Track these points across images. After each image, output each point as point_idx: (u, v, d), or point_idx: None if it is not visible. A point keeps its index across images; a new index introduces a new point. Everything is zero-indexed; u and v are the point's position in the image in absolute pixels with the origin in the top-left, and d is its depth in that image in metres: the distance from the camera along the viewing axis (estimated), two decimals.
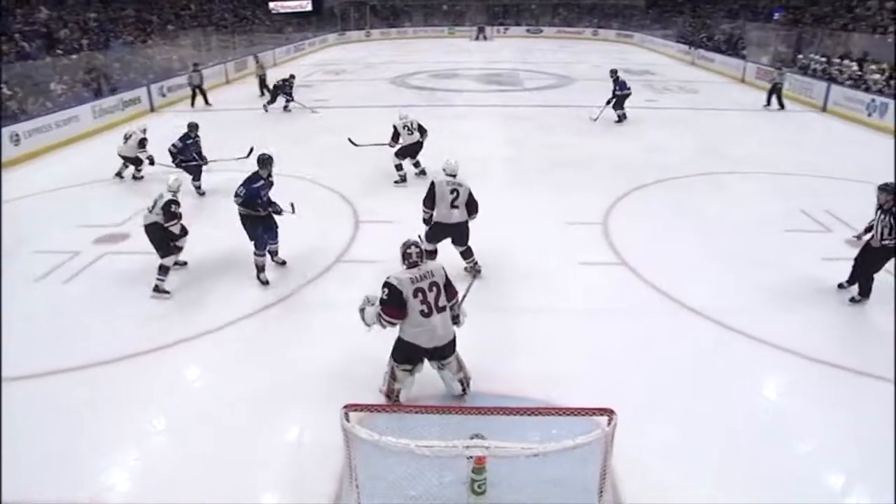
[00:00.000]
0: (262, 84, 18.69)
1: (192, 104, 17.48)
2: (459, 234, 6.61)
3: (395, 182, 10.19)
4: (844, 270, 6.73)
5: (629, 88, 14.71)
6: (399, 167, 10.21)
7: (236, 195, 6.62)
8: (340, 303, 6.29)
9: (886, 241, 6.06)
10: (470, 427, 3.03)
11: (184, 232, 6.77)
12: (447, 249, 6.75)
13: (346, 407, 3.11)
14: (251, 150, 9.37)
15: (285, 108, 16.50)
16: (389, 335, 4.63)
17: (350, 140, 10.76)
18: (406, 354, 4.54)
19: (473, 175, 9.42)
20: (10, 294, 6.63)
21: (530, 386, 5.00)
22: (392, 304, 4.34)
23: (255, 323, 6.16)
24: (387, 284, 4.36)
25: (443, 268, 4.57)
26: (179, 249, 6.91)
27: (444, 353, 4.55)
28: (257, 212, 6.64)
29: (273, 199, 6.91)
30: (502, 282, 6.77)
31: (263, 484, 4.18)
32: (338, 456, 3.32)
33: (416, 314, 4.34)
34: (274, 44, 29.27)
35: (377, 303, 4.46)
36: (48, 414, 4.85)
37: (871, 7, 22.37)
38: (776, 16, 28.84)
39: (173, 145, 9.85)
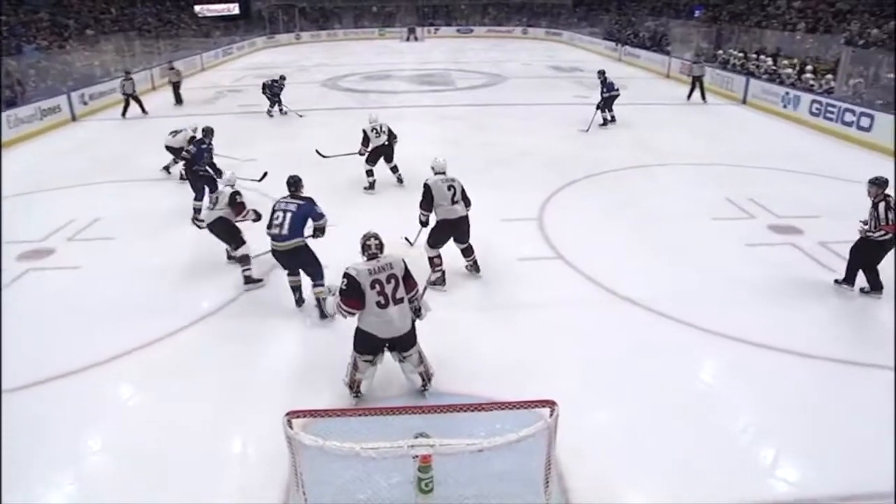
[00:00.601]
0: (176, 91, 18.14)
1: (124, 114, 16.67)
2: (464, 229, 6.57)
3: (365, 188, 9.91)
4: (766, 254, 7.06)
5: (617, 90, 14.27)
6: (370, 172, 9.91)
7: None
8: (291, 310, 6.26)
9: (872, 234, 6.12)
10: (414, 427, 3.05)
11: (257, 216, 6.87)
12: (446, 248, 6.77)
13: (288, 414, 3.07)
14: (265, 174, 8.80)
15: (269, 111, 16.07)
16: (339, 337, 4.62)
17: (318, 152, 10.18)
18: (365, 344, 4.60)
19: (411, 175, 9.49)
20: None
21: (473, 382, 5.05)
22: (350, 295, 4.42)
23: (192, 334, 5.99)
24: (346, 275, 4.44)
25: (403, 260, 4.62)
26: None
27: (402, 345, 4.63)
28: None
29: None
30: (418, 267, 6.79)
31: (209, 496, 4.08)
32: (284, 463, 3.27)
33: (373, 305, 4.42)
34: (201, 48, 28.53)
35: (336, 292, 4.55)
36: None
37: (780, 6, 23.53)
38: (697, 13, 29.97)
39: (186, 151, 9.16)
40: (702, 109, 16.73)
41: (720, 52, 21.54)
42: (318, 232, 6.16)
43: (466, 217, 6.55)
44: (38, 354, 5.64)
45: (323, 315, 6.01)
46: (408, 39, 40.14)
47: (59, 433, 4.67)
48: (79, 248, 8.04)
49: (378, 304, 4.42)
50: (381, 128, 9.74)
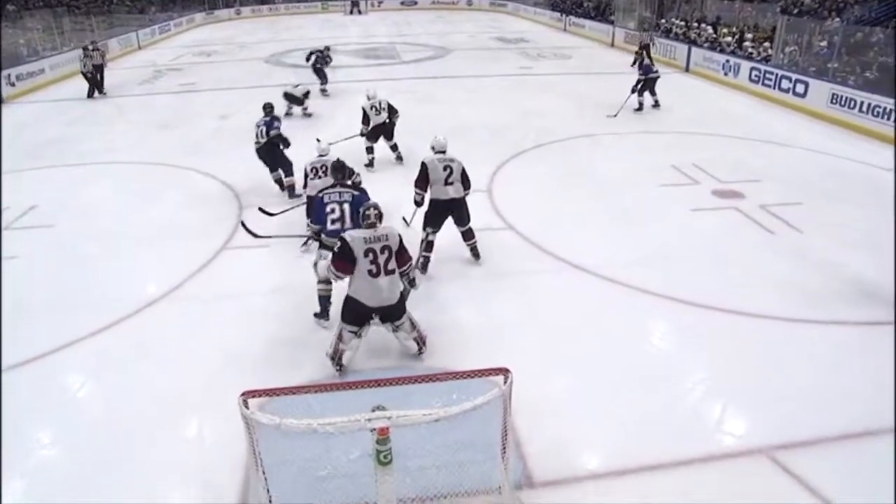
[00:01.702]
0: (99, 73, 16.10)
1: (91, 94, 15.84)
2: (459, 210, 6.38)
3: (365, 165, 9.51)
4: (711, 219, 7.28)
5: (656, 71, 12.93)
6: (370, 150, 9.63)
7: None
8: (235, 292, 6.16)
9: None
10: (371, 400, 3.06)
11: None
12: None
13: (244, 394, 3.04)
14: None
15: (323, 90, 15.02)
16: (300, 319, 4.56)
17: (262, 210, 6.81)
18: (352, 313, 4.67)
19: (357, 151, 9.38)
20: None
21: (427, 354, 5.09)
22: (342, 258, 4.50)
23: (140, 321, 5.84)
24: (340, 239, 4.52)
25: (399, 234, 4.64)
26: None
27: (392, 315, 4.73)
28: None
29: None
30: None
31: (166, 481, 4.02)
32: (241, 445, 3.26)
33: (364, 273, 4.48)
34: (137, 25, 27.38)
35: (329, 256, 4.62)
36: None
37: None
38: None
39: (261, 130, 8.36)
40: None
41: (663, 20, 21.82)
42: None
43: (461, 199, 6.35)
44: None
45: None
46: (351, 13, 39.34)
47: (7, 427, 4.52)
48: (15, 236, 7.71)
49: (370, 272, 4.49)
50: (380, 105, 9.45)
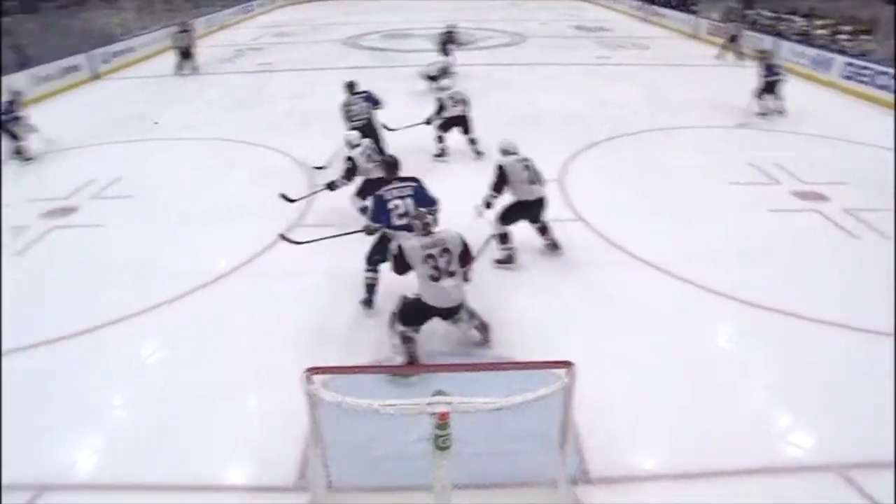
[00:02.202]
0: (186, 56, 16.82)
1: (181, 67, 16.67)
2: (541, 209, 6.27)
3: (435, 155, 9.46)
4: (790, 221, 6.95)
5: (779, 73, 11.41)
6: (440, 139, 9.47)
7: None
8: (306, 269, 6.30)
9: None
10: (432, 385, 3.08)
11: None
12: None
13: (308, 370, 3.11)
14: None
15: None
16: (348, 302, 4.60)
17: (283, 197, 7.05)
18: (416, 315, 4.72)
19: (429, 136, 9.41)
20: None
21: (494, 343, 5.07)
22: (398, 263, 4.61)
23: (208, 294, 6.05)
24: (398, 246, 4.60)
25: (460, 237, 4.63)
26: None
27: (453, 313, 4.74)
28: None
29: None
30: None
31: (226, 451, 4.17)
32: (302, 420, 3.33)
33: (426, 277, 4.51)
34: (221, 5, 28.21)
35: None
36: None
37: None
38: None
39: (362, 107, 8.49)
40: (727, 72, 16.30)
41: (750, 11, 20.89)
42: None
43: (544, 198, 6.25)
44: (63, 311, 5.74)
45: None
46: None
47: (84, 388, 4.79)
48: (101, 206, 8.12)
49: (431, 276, 4.49)
50: (456, 96, 9.31)
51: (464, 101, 9.33)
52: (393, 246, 4.83)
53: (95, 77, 16.21)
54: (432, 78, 13.40)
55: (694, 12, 23.49)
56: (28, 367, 5.01)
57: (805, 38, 16.64)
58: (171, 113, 12.69)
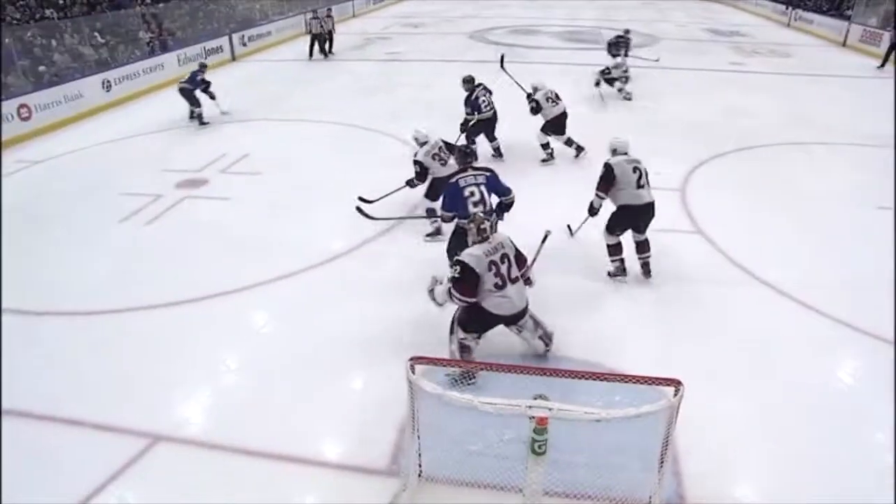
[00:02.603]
0: (321, 43, 17.53)
1: (312, 54, 17.46)
2: (648, 217, 5.85)
3: (543, 160, 9.15)
4: None
5: None
6: (546, 145, 9.07)
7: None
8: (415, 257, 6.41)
9: None
10: (533, 387, 3.04)
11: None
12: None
13: (412, 359, 3.16)
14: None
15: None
16: None
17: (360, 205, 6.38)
18: (480, 323, 4.53)
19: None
20: (95, 233, 7.01)
21: (596, 351, 4.95)
22: (465, 282, 4.34)
23: (324, 272, 6.29)
24: (458, 262, 4.36)
25: (510, 238, 4.56)
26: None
27: (518, 318, 4.59)
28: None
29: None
30: (570, 247, 6.65)
31: (325, 426, 4.31)
32: (401, 407, 3.39)
33: (491, 286, 4.36)
34: None
35: (446, 280, 4.46)
36: (124, 347, 5.14)
37: None
38: None
39: (486, 101, 8.74)
40: (877, 84, 15.00)
41: None
42: (507, 209, 5.59)
43: (652, 204, 5.80)
44: (188, 276, 6.17)
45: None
46: None
47: (201, 351, 5.12)
48: (229, 180, 8.63)
49: (496, 285, 4.36)
50: (552, 94, 8.90)
51: (558, 99, 8.96)
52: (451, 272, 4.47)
53: (233, 59, 17.20)
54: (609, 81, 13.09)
55: (847, 17, 21.74)
56: (153, 325, 5.42)
57: None
58: (302, 96, 13.28)
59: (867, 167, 9.25)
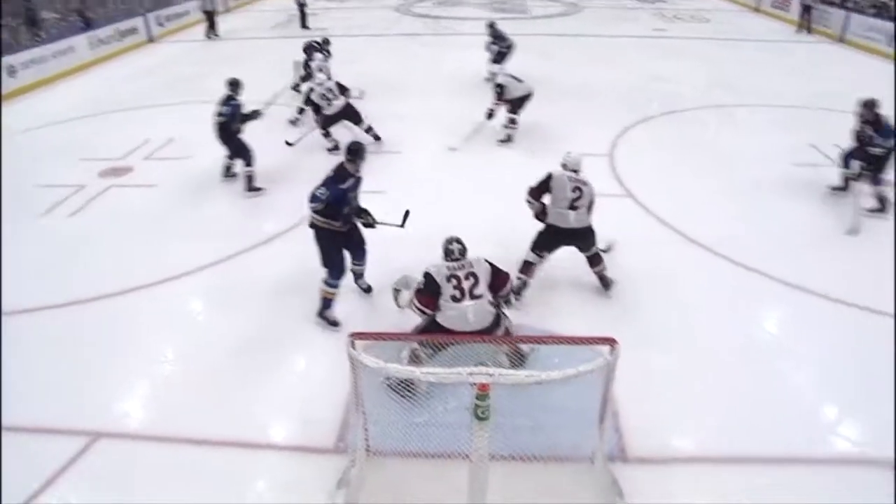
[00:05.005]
0: (210, 20, 16.96)
1: (209, 34, 16.89)
2: (581, 241, 5.40)
3: (500, 141, 8.95)
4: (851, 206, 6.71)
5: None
6: (513, 122, 8.90)
7: (314, 198, 4.80)
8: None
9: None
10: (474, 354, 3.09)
11: None
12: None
13: (351, 335, 3.15)
14: (406, 214, 5.46)
15: None
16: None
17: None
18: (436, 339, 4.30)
19: (471, 101, 9.28)
20: (15, 228, 6.66)
21: (534, 316, 5.05)
22: (426, 293, 4.31)
23: (259, 255, 6.18)
24: (425, 274, 4.33)
25: (486, 261, 4.41)
26: None
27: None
28: (337, 224, 4.94)
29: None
30: (508, 213, 6.70)
31: (271, 410, 4.28)
32: (345, 386, 3.38)
33: (448, 298, 4.28)
34: None
35: (413, 288, 4.43)
36: (55, 346, 4.94)
37: None
38: None
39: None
40: (790, 48, 15.63)
41: None
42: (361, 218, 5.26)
43: (584, 230, 5.36)
44: (118, 267, 5.96)
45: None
46: None
47: (137, 343, 4.97)
48: (155, 166, 8.32)
49: (453, 297, 4.27)
50: (518, 78, 8.81)
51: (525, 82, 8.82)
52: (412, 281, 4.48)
53: (151, 41, 16.47)
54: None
55: None
56: (84, 320, 5.22)
57: (881, 12, 15.67)
58: (219, 76, 12.80)
59: (783, 127, 9.65)
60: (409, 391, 4.02)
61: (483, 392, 2.81)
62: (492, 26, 11.75)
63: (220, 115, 7.22)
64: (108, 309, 5.37)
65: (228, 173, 7.76)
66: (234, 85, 7.31)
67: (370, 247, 5.36)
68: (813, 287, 5.51)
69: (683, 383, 4.46)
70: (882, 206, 6.59)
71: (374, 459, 3.73)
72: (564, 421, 3.84)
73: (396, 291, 4.65)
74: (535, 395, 3.83)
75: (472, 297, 4.27)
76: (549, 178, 5.34)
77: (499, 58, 11.52)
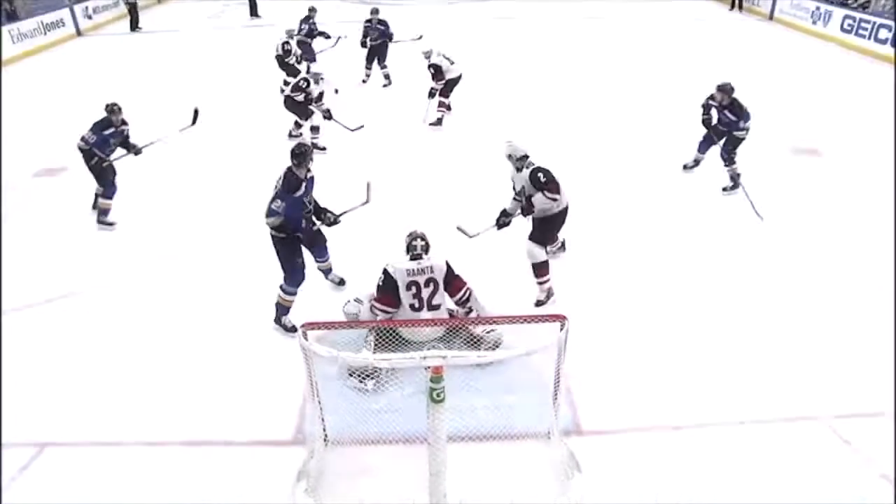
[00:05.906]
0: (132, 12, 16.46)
1: (133, 27, 16.31)
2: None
3: (431, 124, 8.96)
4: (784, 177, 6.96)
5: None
6: (445, 106, 8.97)
7: (271, 213, 4.49)
8: None
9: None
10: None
11: None
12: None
13: (304, 325, 3.13)
14: (368, 186, 5.23)
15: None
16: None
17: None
18: (389, 345, 4.08)
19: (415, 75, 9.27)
20: None
21: (481, 298, 5.07)
22: (386, 291, 4.25)
23: (211, 246, 6.07)
24: (384, 271, 4.26)
25: (447, 264, 4.33)
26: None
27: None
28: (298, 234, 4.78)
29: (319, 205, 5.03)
30: (459, 197, 6.73)
31: (226, 407, 4.20)
32: (300, 378, 3.36)
33: (407, 307, 4.25)
34: None
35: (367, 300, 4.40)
36: None
37: None
38: None
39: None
40: (715, 28, 15.97)
41: None
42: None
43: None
44: (60, 270, 5.77)
45: None
46: None
47: (82, 347, 4.81)
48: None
49: (412, 306, 4.24)
50: (451, 58, 8.81)
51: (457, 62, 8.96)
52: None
53: (78, 34, 15.81)
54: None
55: None
56: (27, 326, 5.02)
57: None
58: (153, 72, 12.44)
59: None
60: (370, 377, 4.02)
61: (437, 375, 2.83)
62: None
63: (83, 139, 6.24)
64: (51, 314, 5.18)
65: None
66: (112, 112, 6.32)
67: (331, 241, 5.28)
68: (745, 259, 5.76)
69: (635, 357, 4.56)
70: (735, 183, 6.82)
71: (333, 449, 3.71)
72: (520, 399, 3.91)
73: (353, 315, 4.47)
74: (491, 375, 3.90)
75: (431, 307, 4.25)
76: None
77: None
